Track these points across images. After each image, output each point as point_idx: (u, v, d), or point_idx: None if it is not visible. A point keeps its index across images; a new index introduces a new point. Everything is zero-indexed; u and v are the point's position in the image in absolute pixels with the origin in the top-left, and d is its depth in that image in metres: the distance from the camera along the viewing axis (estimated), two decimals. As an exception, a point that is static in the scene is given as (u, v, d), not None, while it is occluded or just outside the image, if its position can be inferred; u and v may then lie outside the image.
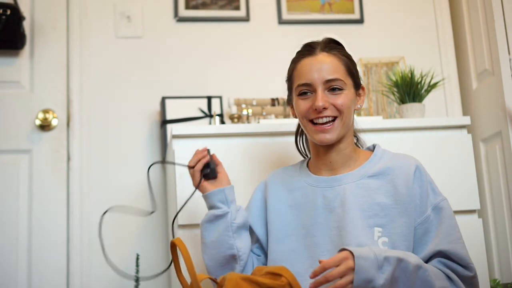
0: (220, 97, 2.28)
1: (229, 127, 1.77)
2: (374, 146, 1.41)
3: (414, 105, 1.95)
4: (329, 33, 2.54)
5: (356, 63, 2.32)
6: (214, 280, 0.85)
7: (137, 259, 2.12)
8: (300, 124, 1.40)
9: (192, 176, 1.39)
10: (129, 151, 2.30)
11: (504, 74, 2.18)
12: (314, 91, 1.31)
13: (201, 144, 1.72)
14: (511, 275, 2.12)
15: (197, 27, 2.44)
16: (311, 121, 1.32)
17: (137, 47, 2.38)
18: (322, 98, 1.29)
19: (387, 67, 2.33)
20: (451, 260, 1.23)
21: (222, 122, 2.18)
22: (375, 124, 1.80)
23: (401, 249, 1.23)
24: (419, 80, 1.97)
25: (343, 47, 1.41)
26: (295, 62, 1.38)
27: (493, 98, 2.25)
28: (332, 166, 1.36)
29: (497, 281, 1.95)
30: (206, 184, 1.38)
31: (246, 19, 2.46)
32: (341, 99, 1.31)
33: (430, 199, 1.28)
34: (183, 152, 1.68)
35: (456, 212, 1.74)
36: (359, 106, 1.38)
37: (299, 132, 1.51)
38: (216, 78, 2.39)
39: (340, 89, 1.31)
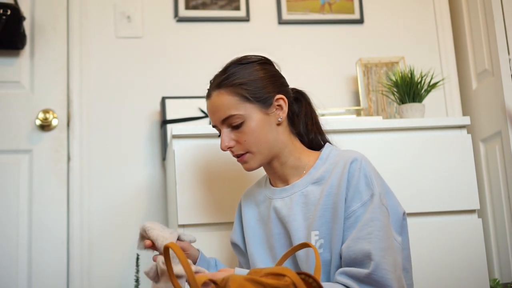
0: (220, 97, 2.28)
1: (229, 127, 1.77)
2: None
3: (414, 105, 1.95)
4: (329, 33, 2.56)
5: (356, 63, 2.34)
6: (214, 282, 0.85)
7: (137, 259, 2.12)
8: None
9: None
10: (129, 151, 2.30)
11: (504, 74, 2.18)
12: (220, 130, 1.32)
13: (201, 144, 1.72)
14: (511, 275, 2.12)
15: (197, 27, 2.44)
16: None
17: (137, 47, 2.38)
18: (225, 138, 1.29)
19: (387, 67, 2.33)
20: (350, 261, 1.17)
21: (222, 122, 2.18)
22: (375, 124, 1.80)
23: (338, 249, 1.19)
24: (419, 80, 1.97)
25: (239, 69, 1.33)
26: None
27: (493, 98, 2.25)
28: (283, 178, 1.35)
29: (497, 281, 1.96)
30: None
31: (246, 19, 2.46)
32: (244, 135, 1.28)
33: (361, 194, 1.21)
34: (183, 152, 1.68)
35: (456, 212, 1.75)
36: (280, 119, 1.31)
37: None
38: (216, 78, 2.39)
39: (241, 124, 1.28)
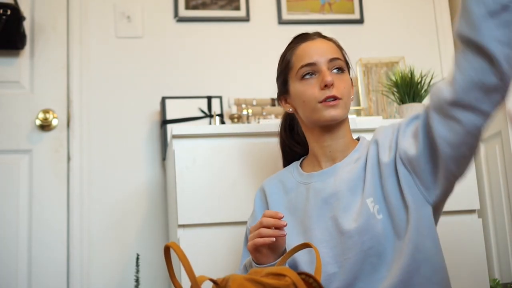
0: (220, 97, 2.28)
1: (229, 127, 1.77)
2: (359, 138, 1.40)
3: (414, 105, 1.95)
4: (329, 33, 2.55)
5: (356, 63, 2.34)
6: (214, 282, 0.85)
7: (137, 259, 2.12)
8: (301, 112, 1.35)
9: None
10: (129, 151, 2.30)
11: (504, 74, 2.18)
12: (318, 71, 1.30)
13: (201, 144, 1.72)
14: (511, 275, 2.12)
15: (197, 27, 2.44)
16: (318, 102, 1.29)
17: (137, 47, 2.38)
18: (328, 77, 1.27)
19: (387, 67, 2.33)
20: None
21: (222, 122, 2.18)
22: (375, 124, 1.79)
23: (395, 204, 1.19)
24: (419, 80, 1.97)
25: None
26: (292, 48, 1.36)
27: (493, 98, 2.25)
28: (332, 155, 1.34)
29: (497, 281, 1.96)
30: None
31: (246, 19, 2.46)
32: (344, 82, 1.30)
33: (392, 128, 1.26)
34: (183, 152, 1.68)
35: (456, 212, 1.75)
36: (352, 97, 1.36)
37: (285, 128, 1.49)
38: (216, 78, 2.39)
39: (343, 71, 1.32)
